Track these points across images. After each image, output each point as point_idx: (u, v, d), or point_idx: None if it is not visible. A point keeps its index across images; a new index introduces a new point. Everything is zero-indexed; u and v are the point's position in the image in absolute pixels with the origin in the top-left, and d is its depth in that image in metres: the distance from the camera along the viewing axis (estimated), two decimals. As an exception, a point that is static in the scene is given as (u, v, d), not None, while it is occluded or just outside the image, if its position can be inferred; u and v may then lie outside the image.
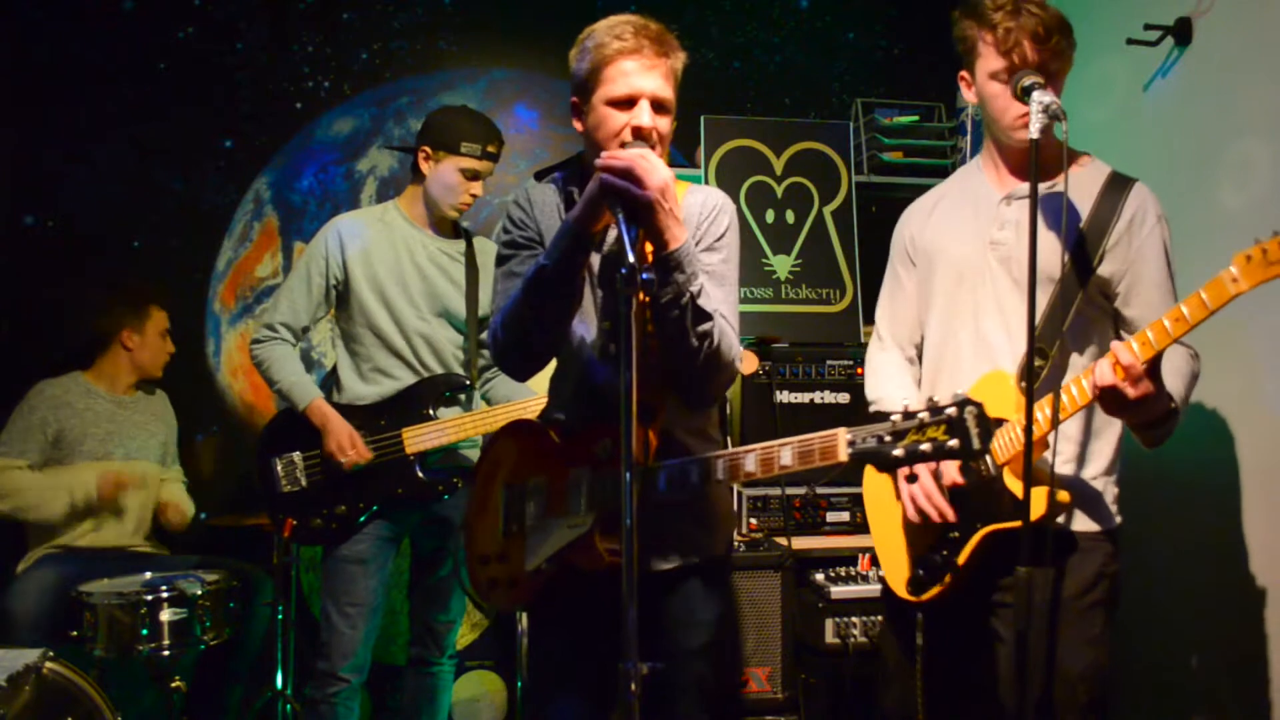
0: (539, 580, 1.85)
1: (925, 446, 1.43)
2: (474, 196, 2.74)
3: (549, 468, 1.88)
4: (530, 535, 1.89)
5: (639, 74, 1.75)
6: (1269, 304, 2.35)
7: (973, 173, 2.12)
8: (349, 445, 2.60)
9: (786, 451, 1.63)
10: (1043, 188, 1.94)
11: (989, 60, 1.88)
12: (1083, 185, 1.92)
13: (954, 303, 2.02)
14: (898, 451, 1.46)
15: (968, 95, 2.00)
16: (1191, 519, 2.64)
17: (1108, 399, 1.73)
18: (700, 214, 1.87)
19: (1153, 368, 1.70)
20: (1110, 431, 1.96)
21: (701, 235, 1.87)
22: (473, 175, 2.71)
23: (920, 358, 2.19)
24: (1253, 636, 2.45)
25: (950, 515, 1.88)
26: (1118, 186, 1.93)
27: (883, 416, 1.52)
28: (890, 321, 2.21)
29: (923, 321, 2.14)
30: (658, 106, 1.77)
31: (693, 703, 1.88)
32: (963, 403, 1.41)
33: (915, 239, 2.14)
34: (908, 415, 1.46)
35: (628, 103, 1.76)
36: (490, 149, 2.72)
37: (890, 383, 2.14)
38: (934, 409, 1.43)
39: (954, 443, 1.41)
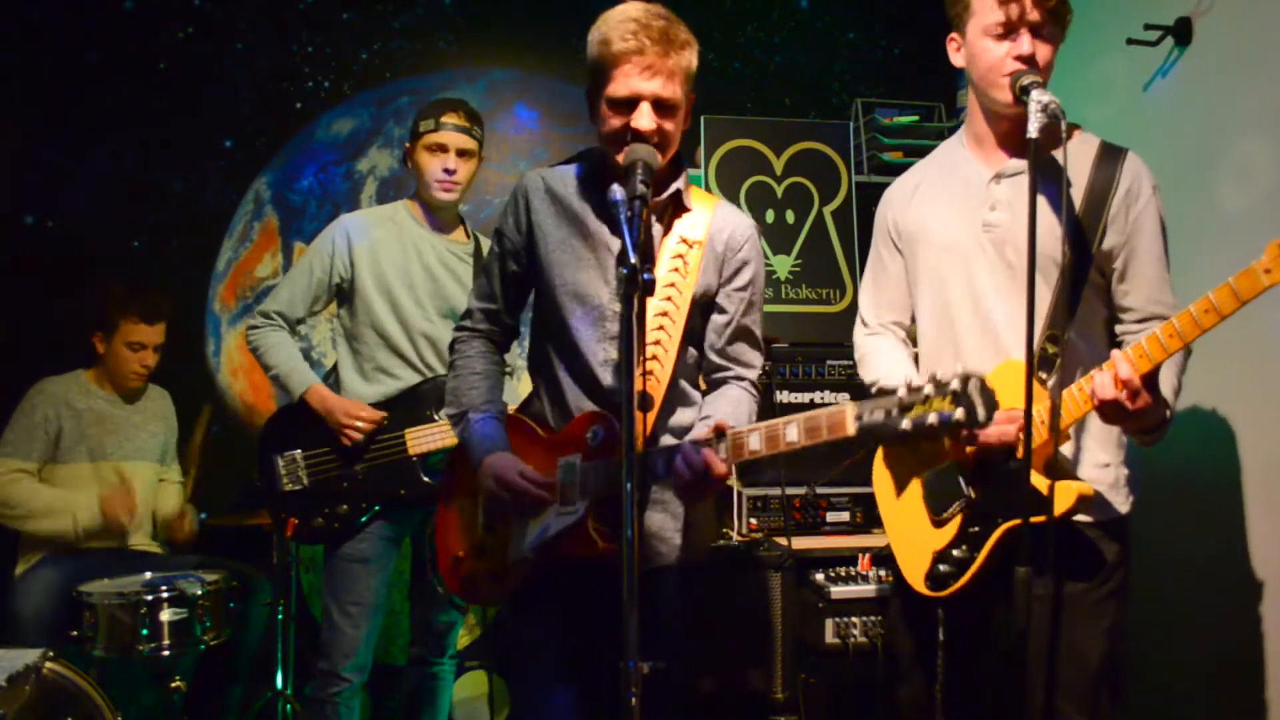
0: (523, 571, 1.86)
1: (932, 419, 1.44)
2: (447, 171, 2.67)
3: (535, 458, 1.87)
4: (516, 526, 1.88)
5: (639, 76, 1.72)
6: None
7: (955, 149, 2.06)
8: (357, 414, 2.59)
9: (792, 428, 1.61)
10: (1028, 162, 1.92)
11: (984, 14, 1.85)
12: (1074, 159, 1.88)
13: (948, 288, 1.98)
14: (905, 424, 1.47)
15: (956, 58, 1.97)
16: (1193, 514, 2.65)
17: (1107, 411, 1.72)
18: (729, 244, 1.90)
19: (1151, 380, 1.68)
20: None
21: (726, 265, 1.90)
22: (439, 148, 2.66)
23: (912, 340, 2.16)
24: (1251, 634, 2.46)
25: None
26: (1110, 158, 1.89)
27: (888, 393, 1.53)
28: (875, 305, 2.16)
29: (912, 306, 2.11)
30: (662, 107, 1.75)
31: (664, 700, 1.88)
32: (966, 375, 1.43)
33: (899, 222, 2.09)
34: (912, 389, 1.48)
35: (629, 103, 1.74)
36: (446, 119, 2.66)
37: (888, 362, 2.09)
38: (938, 383, 1.45)
39: (959, 413, 1.42)
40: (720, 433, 1.68)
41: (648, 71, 1.72)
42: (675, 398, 1.92)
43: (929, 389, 1.46)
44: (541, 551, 1.82)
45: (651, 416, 1.81)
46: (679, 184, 1.88)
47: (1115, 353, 1.70)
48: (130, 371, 3.11)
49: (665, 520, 1.91)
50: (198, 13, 3.62)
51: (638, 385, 1.72)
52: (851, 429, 1.54)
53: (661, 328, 1.83)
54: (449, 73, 3.80)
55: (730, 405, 1.88)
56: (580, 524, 1.76)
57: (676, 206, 1.90)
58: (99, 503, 2.95)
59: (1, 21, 3.46)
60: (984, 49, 1.87)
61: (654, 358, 1.83)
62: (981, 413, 1.41)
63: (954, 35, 1.96)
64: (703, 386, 2.01)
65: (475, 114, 2.75)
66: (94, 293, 3.16)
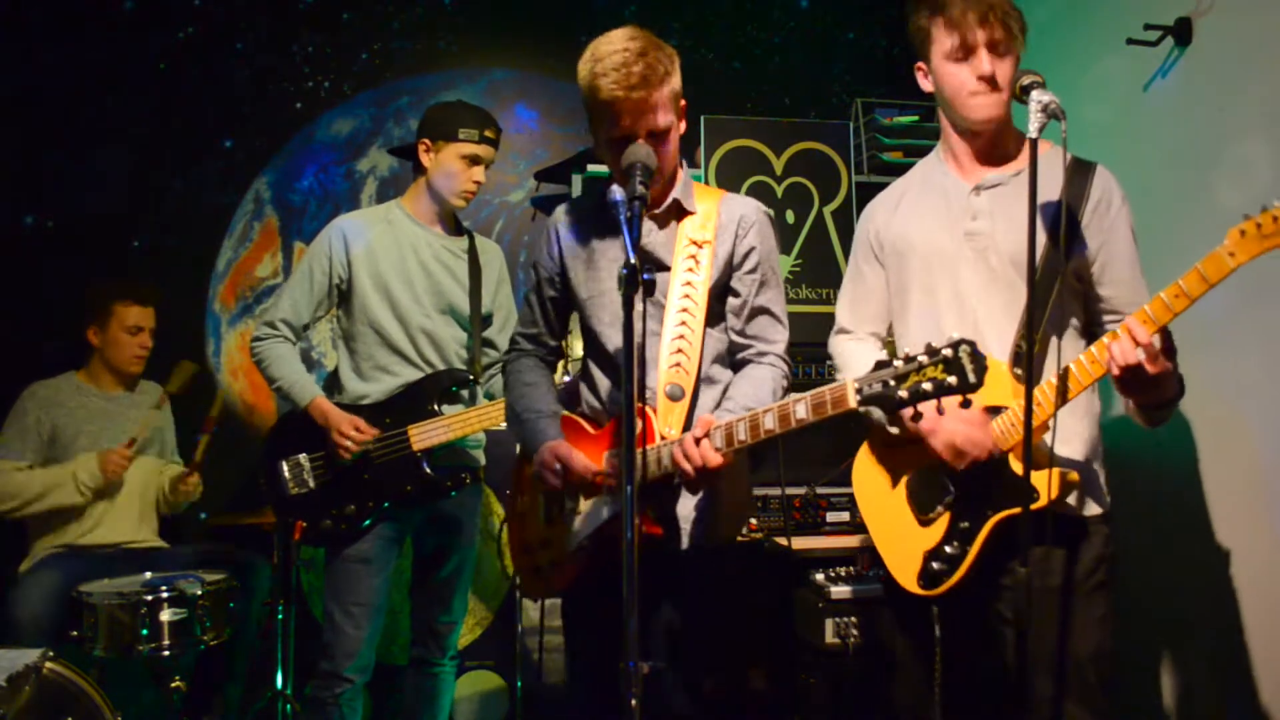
0: (580, 561, 1.98)
1: (926, 385, 1.55)
2: (477, 184, 2.73)
3: (587, 453, 1.99)
4: (571, 518, 2.01)
5: (629, 119, 1.84)
6: (1270, 299, 2.36)
7: (933, 165, 2.14)
8: (351, 430, 2.59)
9: (801, 405, 1.73)
10: (1005, 173, 2.00)
11: (942, 40, 1.94)
12: (1046, 171, 1.91)
13: (933, 295, 2.03)
14: (902, 393, 1.57)
15: (925, 85, 2.07)
16: (1185, 515, 2.65)
17: (1128, 377, 1.74)
18: (736, 233, 2.00)
19: (1167, 346, 1.73)
20: (1092, 415, 1.98)
21: (736, 252, 2.00)
22: (474, 160, 2.71)
23: (889, 352, 2.19)
24: (1249, 633, 2.46)
25: (989, 447, 1.87)
26: (1081, 170, 1.96)
27: (884, 366, 1.62)
28: (852, 314, 2.21)
29: (895, 317, 2.15)
30: (655, 135, 1.87)
31: (693, 689, 1.96)
32: (956, 343, 1.53)
33: (881, 234, 2.15)
34: (908, 360, 1.57)
35: (623, 141, 1.85)
36: (488, 134, 2.72)
37: (870, 361, 2.12)
38: (932, 351, 1.55)
39: (952, 379, 1.53)
40: (710, 428, 1.79)
41: (635, 113, 1.84)
42: (706, 384, 2.01)
43: (923, 358, 1.56)
44: (595, 539, 1.94)
45: (684, 406, 1.92)
46: (676, 192, 2.00)
47: (1128, 320, 1.72)
48: (131, 356, 3.15)
49: (688, 505, 1.98)
50: (198, 13, 3.62)
51: (669, 379, 1.92)
52: (853, 401, 1.65)
53: (684, 323, 1.95)
54: (449, 73, 3.80)
55: (752, 385, 1.97)
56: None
57: (680, 211, 2.01)
58: (96, 460, 2.98)
59: (2, 22, 3.46)
60: (947, 73, 1.97)
61: (680, 351, 1.94)
62: (972, 376, 1.52)
63: (920, 64, 2.05)
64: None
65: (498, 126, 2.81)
66: (87, 292, 3.17)
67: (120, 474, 3.02)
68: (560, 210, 2.15)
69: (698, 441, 1.78)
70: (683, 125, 1.95)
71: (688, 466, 1.78)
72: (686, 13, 3.96)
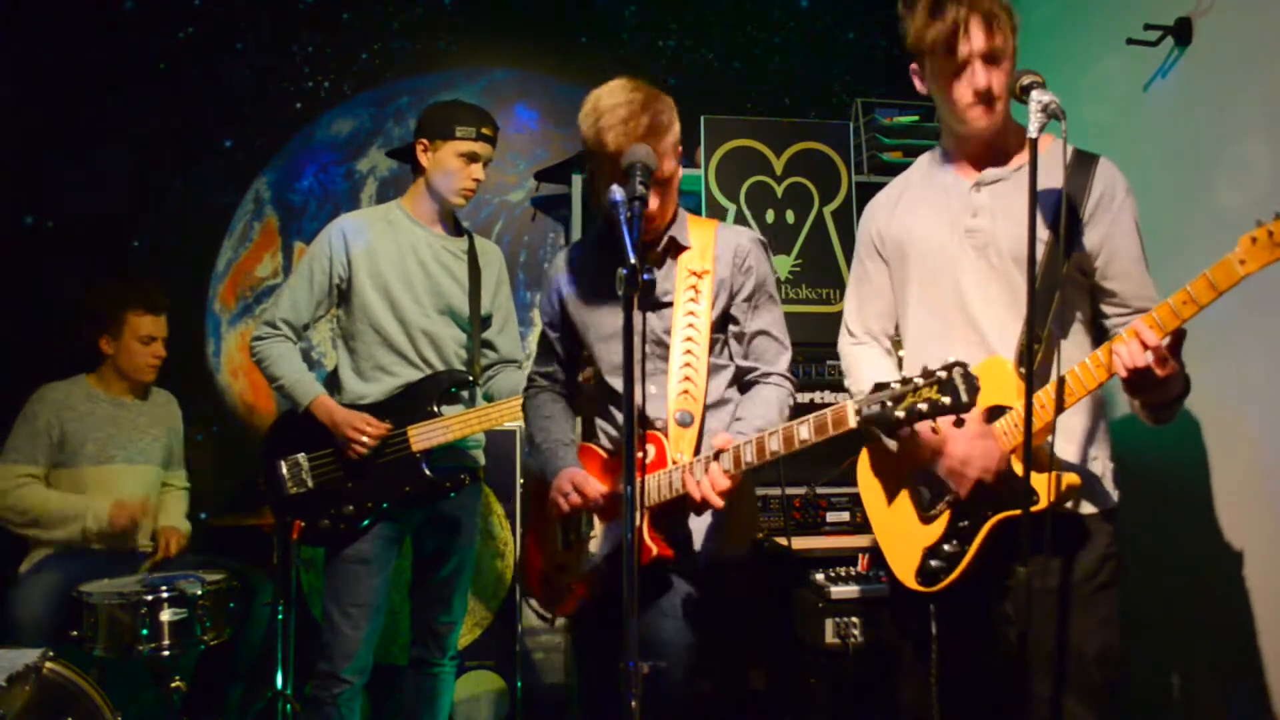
0: (594, 582, 2.05)
1: (922, 406, 1.62)
2: (476, 181, 2.73)
3: (604, 478, 2.07)
4: (588, 540, 2.09)
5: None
6: (1268, 303, 2.35)
7: (934, 161, 2.14)
8: (364, 427, 2.59)
9: (804, 427, 1.81)
10: (1006, 169, 2.00)
11: (935, 53, 1.93)
12: (1048, 165, 1.91)
13: (934, 292, 2.03)
14: (899, 413, 1.65)
15: (920, 86, 2.05)
16: (1187, 513, 2.65)
17: (1136, 379, 1.74)
18: (734, 263, 2.07)
19: (1175, 347, 1.73)
20: (1098, 412, 1.98)
21: (735, 281, 2.07)
22: (471, 157, 2.71)
23: (896, 348, 2.21)
24: (1239, 629, 2.46)
25: (995, 470, 1.89)
26: (1084, 164, 1.95)
27: (883, 388, 1.68)
28: (860, 315, 2.21)
29: (898, 313, 2.15)
30: (659, 183, 1.90)
31: (690, 693, 1.98)
32: (951, 365, 1.61)
33: (883, 232, 2.15)
34: (904, 381, 1.65)
35: None
36: (485, 131, 2.72)
37: (875, 372, 2.12)
38: (927, 373, 1.63)
39: (946, 399, 1.60)
40: (720, 452, 1.86)
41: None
42: (713, 409, 2.06)
43: (919, 380, 1.63)
44: (610, 561, 2.01)
45: (694, 431, 1.98)
46: (673, 230, 2.07)
47: (1136, 323, 1.72)
48: (144, 365, 3.15)
49: (697, 524, 2.03)
50: (198, 13, 3.63)
51: (678, 406, 1.99)
52: (853, 422, 1.73)
53: (689, 350, 2.02)
54: (449, 73, 3.80)
55: (760, 406, 2.03)
56: (637, 532, 1.88)
57: (676, 247, 2.08)
58: (108, 509, 2.97)
59: (2, 22, 3.46)
60: (941, 87, 1.96)
61: (687, 379, 2.01)
62: (965, 396, 1.59)
63: (915, 64, 2.03)
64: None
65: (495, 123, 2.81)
66: (94, 296, 3.16)
67: (128, 529, 3.01)
68: (559, 257, 2.23)
69: (707, 466, 1.85)
70: (680, 171, 2.01)
71: (696, 492, 1.84)
72: (686, 13, 3.96)
